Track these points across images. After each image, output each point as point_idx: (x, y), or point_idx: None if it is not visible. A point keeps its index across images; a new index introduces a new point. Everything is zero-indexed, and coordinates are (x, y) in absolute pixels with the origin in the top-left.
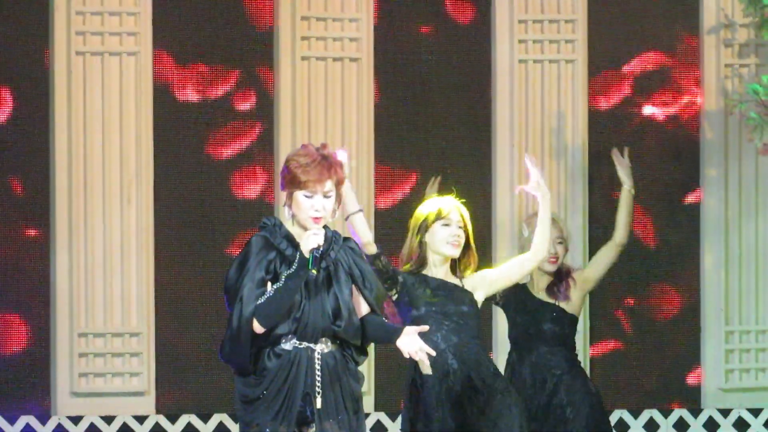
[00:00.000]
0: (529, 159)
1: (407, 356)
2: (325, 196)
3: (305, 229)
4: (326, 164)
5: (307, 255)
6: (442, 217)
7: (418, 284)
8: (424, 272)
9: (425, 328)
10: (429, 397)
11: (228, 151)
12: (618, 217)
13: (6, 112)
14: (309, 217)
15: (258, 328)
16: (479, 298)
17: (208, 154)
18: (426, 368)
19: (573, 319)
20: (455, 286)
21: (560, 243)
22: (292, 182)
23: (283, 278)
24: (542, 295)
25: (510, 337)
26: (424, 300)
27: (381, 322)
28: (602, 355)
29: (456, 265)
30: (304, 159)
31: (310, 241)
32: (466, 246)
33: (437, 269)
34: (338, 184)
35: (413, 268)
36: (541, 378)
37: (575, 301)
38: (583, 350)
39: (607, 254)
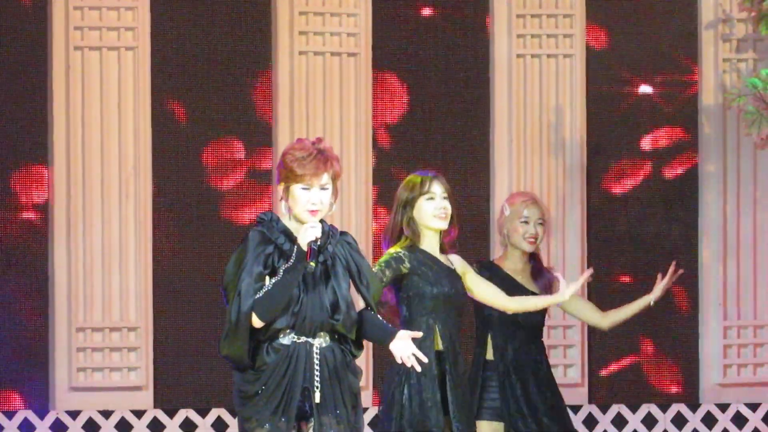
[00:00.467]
0: (588, 274)
1: (399, 361)
2: (322, 189)
3: (302, 223)
4: (322, 158)
5: (304, 248)
6: (426, 192)
7: (421, 262)
8: (421, 247)
9: (419, 334)
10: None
11: (226, 146)
12: (622, 310)
13: (4, 107)
14: (306, 211)
15: (257, 322)
16: None
17: (207, 148)
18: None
19: (545, 311)
20: (453, 271)
21: (541, 224)
22: (289, 176)
23: (281, 272)
24: (529, 285)
25: (491, 318)
26: (431, 280)
27: (377, 322)
28: (600, 349)
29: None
30: (300, 152)
31: (307, 234)
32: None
33: (429, 242)
34: (335, 177)
35: (408, 243)
36: (531, 368)
37: None
38: (581, 345)
39: (587, 317)
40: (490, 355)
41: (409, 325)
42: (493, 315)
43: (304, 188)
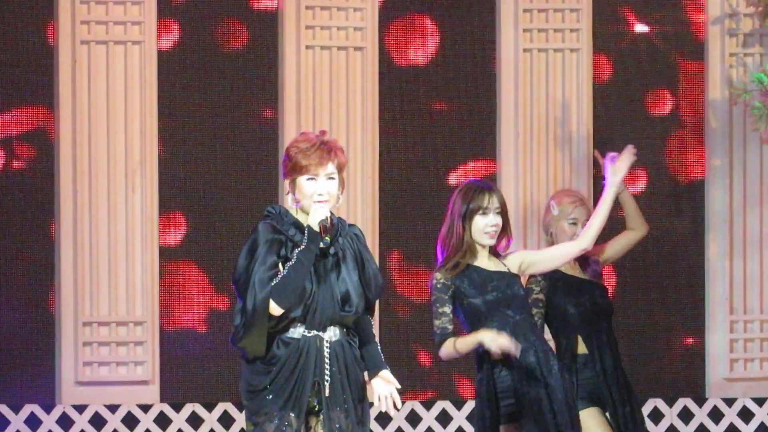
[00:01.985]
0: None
1: (376, 401)
2: (329, 179)
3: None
4: (326, 148)
5: (316, 228)
6: (482, 208)
7: (464, 278)
8: (470, 262)
9: (397, 385)
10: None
11: (232, 140)
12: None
13: (11, 101)
14: (313, 202)
15: (275, 309)
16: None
17: (213, 143)
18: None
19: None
20: (504, 274)
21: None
22: (294, 168)
23: (295, 255)
24: (580, 274)
25: (569, 323)
26: (476, 291)
27: (370, 349)
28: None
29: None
30: (304, 144)
31: (317, 213)
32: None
33: (481, 253)
34: (340, 167)
35: (459, 261)
36: (614, 352)
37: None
38: None
39: (625, 244)
40: (581, 350)
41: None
42: (569, 321)
43: (310, 179)
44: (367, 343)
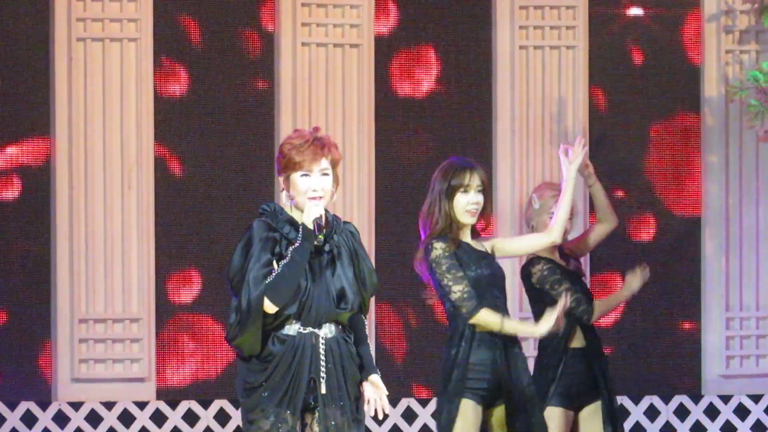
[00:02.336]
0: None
1: (366, 402)
2: (323, 175)
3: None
4: (320, 144)
5: (310, 226)
6: (463, 186)
7: (462, 255)
8: (458, 237)
9: (386, 392)
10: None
11: (229, 137)
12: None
13: (7, 99)
14: (308, 198)
15: (270, 307)
16: None
17: (209, 140)
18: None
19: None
20: (487, 254)
21: (569, 218)
22: (288, 165)
23: (289, 253)
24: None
25: (570, 314)
26: (468, 263)
27: (363, 353)
28: (602, 340)
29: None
30: (297, 141)
31: (312, 211)
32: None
33: (464, 231)
34: (334, 163)
35: (447, 233)
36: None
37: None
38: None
39: (599, 234)
40: (577, 343)
41: (457, 317)
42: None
43: (303, 175)
44: (360, 344)
